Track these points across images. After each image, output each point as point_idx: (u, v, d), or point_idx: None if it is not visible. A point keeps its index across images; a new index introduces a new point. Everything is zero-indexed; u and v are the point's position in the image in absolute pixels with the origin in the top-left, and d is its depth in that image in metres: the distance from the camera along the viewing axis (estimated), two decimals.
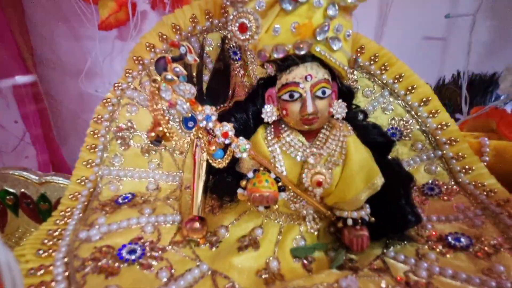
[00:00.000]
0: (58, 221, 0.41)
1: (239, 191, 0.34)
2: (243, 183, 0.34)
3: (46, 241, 0.36)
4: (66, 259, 0.32)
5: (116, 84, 0.49)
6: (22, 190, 0.53)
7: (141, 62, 0.49)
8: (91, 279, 0.31)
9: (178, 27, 0.49)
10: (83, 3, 0.72)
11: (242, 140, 0.31)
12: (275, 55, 0.33)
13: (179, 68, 0.26)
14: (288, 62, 0.34)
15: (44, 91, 0.81)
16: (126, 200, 0.44)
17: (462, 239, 0.37)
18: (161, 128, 0.27)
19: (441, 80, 0.84)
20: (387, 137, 0.40)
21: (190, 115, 0.30)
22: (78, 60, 0.81)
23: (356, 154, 0.35)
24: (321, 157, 0.35)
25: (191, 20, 0.49)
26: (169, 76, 0.25)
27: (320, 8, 0.32)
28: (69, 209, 0.43)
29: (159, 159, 0.50)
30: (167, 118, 0.28)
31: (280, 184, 0.34)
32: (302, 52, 0.32)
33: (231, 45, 0.50)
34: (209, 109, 0.28)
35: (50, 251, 0.34)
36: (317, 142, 0.36)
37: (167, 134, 0.28)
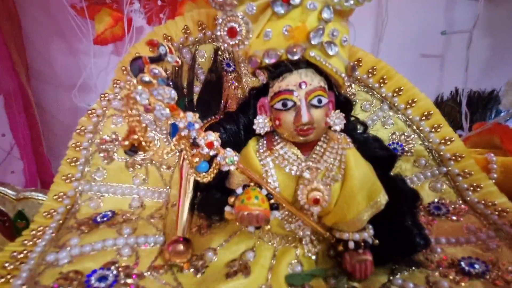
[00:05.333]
0: (26, 242, 0.37)
1: (227, 209, 0.31)
2: (231, 200, 0.31)
3: (7, 264, 0.32)
4: (24, 287, 0.28)
5: (103, 95, 0.47)
6: None
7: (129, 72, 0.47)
8: None
9: (169, 37, 0.48)
10: (79, 17, 0.72)
11: (229, 152, 0.28)
12: (267, 61, 0.31)
13: (158, 69, 0.23)
14: (280, 68, 0.32)
15: (37, 104, 0.80)
16: (105, 219, 0.40)
17: (477, 265, 0.33)
18: (136, 136, 0.25)
19: (439, 97, 0.83)
20: (390, 150, 0.37)
21: (179, 125, 0.27)
22: (73, 74, 0.80)
23: (357, 169, 0.32)
24: (318, 172, 0.32)
25: (183, 31, 0.48)
26: (146, 78, 0.23)
27: (315, 11, 0.30)
28: (41, 228, 0.39)
29: (145, 174, 0.46)
30: (144, 125, 0.25)
31: (272, 201, 0.30)
32: (296, 57, 0.30)
33: (225, 57, 0.49)
34: (191, 116, 0.25)
35: (9, 276, 0.30)
36: (314, 156, 0.33)
37: (143, 143, 0.25)
